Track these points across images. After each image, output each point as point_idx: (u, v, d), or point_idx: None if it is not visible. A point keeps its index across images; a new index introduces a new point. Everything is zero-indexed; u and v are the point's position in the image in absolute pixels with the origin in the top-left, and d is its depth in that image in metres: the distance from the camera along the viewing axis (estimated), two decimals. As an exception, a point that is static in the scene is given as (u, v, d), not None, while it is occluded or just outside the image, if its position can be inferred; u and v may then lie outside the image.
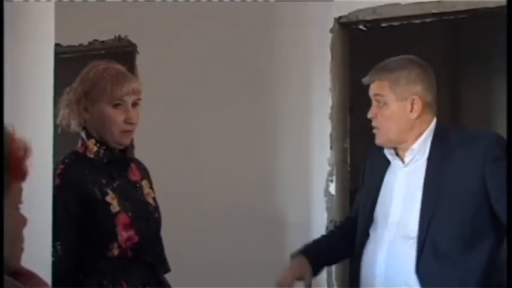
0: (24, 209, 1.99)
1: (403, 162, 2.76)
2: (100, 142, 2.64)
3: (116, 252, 2.55)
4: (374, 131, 2.74)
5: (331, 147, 3.73)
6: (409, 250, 2.67)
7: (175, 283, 3.69)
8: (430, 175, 2.69)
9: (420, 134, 2.73)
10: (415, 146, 2.72)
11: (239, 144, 3.89)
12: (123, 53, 4.15)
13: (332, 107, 3.73)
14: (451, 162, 2.63)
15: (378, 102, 2.72)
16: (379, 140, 2.75)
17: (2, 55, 2.08)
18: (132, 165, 2.77)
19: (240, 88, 3.90)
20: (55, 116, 2.45)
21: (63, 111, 2.65)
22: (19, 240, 1.63)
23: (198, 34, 4.00)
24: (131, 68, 4.06)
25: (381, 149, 2.82)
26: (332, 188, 3.72)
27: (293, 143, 3.81)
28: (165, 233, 3.82)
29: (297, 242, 3.74)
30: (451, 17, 3.62)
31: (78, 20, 4.20)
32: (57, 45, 4.18)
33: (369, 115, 2.75)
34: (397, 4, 3.58)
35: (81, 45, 4.24)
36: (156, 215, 2.76)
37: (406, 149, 2.74)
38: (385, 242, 2.73)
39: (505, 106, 2.31)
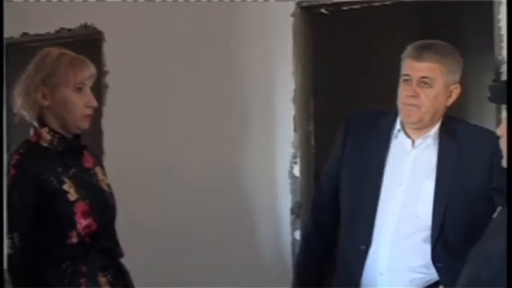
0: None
1: (412, 143, 2.80)
2: (53, 130, 2.66)
3: (74, 240, 2.60)
4: (407, 107, 2.75)
5: (294, 130, 3.77)
6: (415, 238, 2.74)
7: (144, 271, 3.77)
8: (443, 165, 2.75)
9: (436, 121, 2.79)
10: (432, 132, 2.79)
11: (203, 129, 3.94)
12: (90, 40, 4.18)
13: (295, 90, 3.76)
14: (461, 156, 2.71)
15: (424, 83, 2.73)
16: (412, 118, 2.75)
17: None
18: (85, 152, 2.80)
19: (204, 73, 3.93)
20: (8, 107, 2.45)
21: (20, 100, 2.66)
22: None
23: (164, 21, 4.02)
24: (98, 55, 4.13)
25: (376, 120, 2.84)
26: (296, 170, 3.77)
27: (257, 126, 3.84)
28: (132, 224, 3.90)
29: (263, 224, 3.84)
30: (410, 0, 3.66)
31: (45, 8, 4.23)
32: (24, 34, 4.30)
33: (409, 93, 2.74)
34: (355, -13, 3.62)
35: (48, 33, 4.25)
36: (111, 201, 2.80)
37: (418, 132, 2.79)
38: (387, 230, 2.77)
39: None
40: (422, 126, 2.79)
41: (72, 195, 2.62)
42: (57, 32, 4.25)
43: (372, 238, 2.78)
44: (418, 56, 2.75)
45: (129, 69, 4.10)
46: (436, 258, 2.72)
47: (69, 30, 4.23)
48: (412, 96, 2.74)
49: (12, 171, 2.56)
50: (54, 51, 2.70)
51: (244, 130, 3.88)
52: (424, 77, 2.74)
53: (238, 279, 3.76)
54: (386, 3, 3.68)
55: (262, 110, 3.83)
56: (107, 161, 4.08)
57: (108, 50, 4.15)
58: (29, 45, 4.17)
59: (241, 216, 3.85)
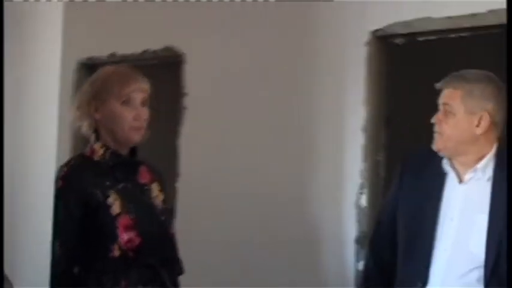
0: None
1: (460, 179, 2.75)
2: (106, 146, 2.73)
3: (116, 253, 2.64)
4: (435, 135, 2.75)
5: (363, 160, 3.74)
6: (467, 276, 2.66)
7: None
8: (497, 199, 2.67)
9: (484, 154, 2.72)
10: (480, 166, 2.71)
11: (273, 155, 3.97)
12: (172, 62, 4.29)
13: (366, 119, 3.74)
14: None
15: (446, 110, 2.72)
16: (437, 145, 2.75)
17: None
18: (142, 167, 2.84)
19: (276, 99, 3.98)
20: (59, 119, 2.52)
21: (74, 114, 2.77)
22: None
23: (241, 47, 4.11)
24: (179, 77, 4.24)
25: (431, 157, 2.79)
26: (363, 201, 3.73)
27: (326, 154, 3.85)
28: (198, 241, 3.97)
29: (327, 253, 3.81)
30: (486, 31, 3.56)
31: (132, 29, 4.39)
32: (112, 54, 4.46)
33: (433, 120, 2.76)
34: (431, 18, 3.55)
35: (133, 54, 4.40)
36: (163, 218, 2.81)
37: (466, 166, 2.74)
38: (438, 267, 2.71)
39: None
40: (453, 154, 2.74)
41: (116, 209, 2.66)
42: (142, 53, 4.39)
43: (428, 276, 2.72)
44: (443, 83, 2.75)
45: (207, 91, 4.18)
46: None
47: (153, 51, 4.36)
48: (436, 123, 2.74)
49: (60, 182, 2.64)
50: (110, 68, 2.82)
51: (312, 157, 3.88)
52: (445, 104, 2.72)
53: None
54: (463, 34, 3.61)
55: (332, 137, 3.83)
56: (181, 181, 4.20)
57: (188, 72, 4.24)
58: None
59: (306, 244, 3.85)
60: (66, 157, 2.82)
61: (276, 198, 3.93)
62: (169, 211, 2.90)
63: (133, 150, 2.82)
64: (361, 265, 3.65)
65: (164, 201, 2.86)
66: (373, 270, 3.01)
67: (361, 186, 3.74)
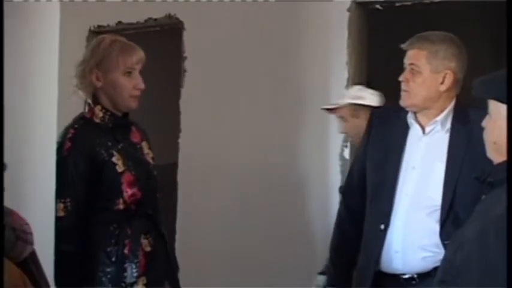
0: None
1: (423, 130, 3.00)
2: (105, 108, 2.95)
3: (121, 206, 2.89)
4: (402, 93, 2.96)
5: (346, 116, 4.08)
6: (427, 218, 2.91)
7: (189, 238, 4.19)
8: (454, 149, 2.91)
9: (444, 108, 2.95)
10: (439, 118, 2.95)
11: (267, 113, 4.32)
12: (173, 29, 4.63)
13: (348, 79, 4.08)
14: (471, 139, 2.79)
15: (412, 69, 2.93)
16: (405, 102, 2.96)
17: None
18: (133, 128, 3.06)
19: (268, 62, 4.33)
20: (59, 89, 2.79)
21: (76, 81, 2.96)
22: None
23: (235, 16, 4.42)
24: (179, 42, 4.59)
25: (398, 113, 3.01)
26: (346, 153, 4.09)
27: (313, 112, 4.18)
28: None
29: (316, 199, 4.18)
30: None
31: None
32: (119, 22, 4.80)
33: (401, 78, 2.96)
34: (407, -16, 3.88)
35: (138, 22, 4.73)
36: (155, 173, 3.07)
37: (428, 119, 2.97)
38: (401, 210, 2.95)
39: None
40: (419, 109, 2.98)
41: (120, 167, 2.91)
42: (146, 21, 4.71)
43: (390, 218, 2.98)
44: (409, 44, 2.97)
45: (204, 55, 4.52)
46: (444, 236, 2.85)
47: (156, 19, 4.68)
48: (403, 82, 2.96)
49: (68, 144, 2.88)
50: (107, 38, 3.00)
51: (302, 114, 4.24)
52: (411, 64, 2.95)
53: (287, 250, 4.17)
54: (435, 0, 3.93)
55: (319, 96, 4.16)
56: (182, 137, 4.57)
57: (187, 38, 4.57)
58: (122, 33, 4.64)
59: (296, 191, 4.22)
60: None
61: (270, 150, 4.28)
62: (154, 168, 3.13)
63: (125, 112, 3.04)
64: (344, 211, 4.01)
65: (153, 158, 3.11)
66: (344, 217, 3.27)
67: (345, 140, 4.09)
